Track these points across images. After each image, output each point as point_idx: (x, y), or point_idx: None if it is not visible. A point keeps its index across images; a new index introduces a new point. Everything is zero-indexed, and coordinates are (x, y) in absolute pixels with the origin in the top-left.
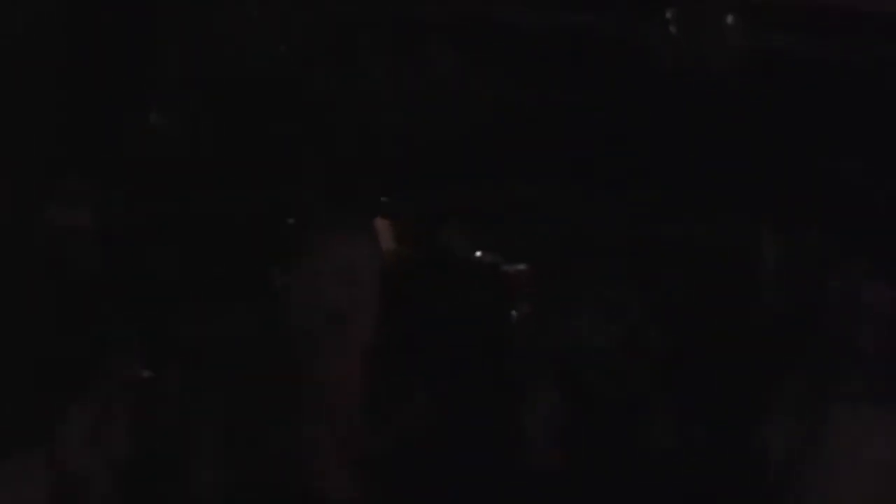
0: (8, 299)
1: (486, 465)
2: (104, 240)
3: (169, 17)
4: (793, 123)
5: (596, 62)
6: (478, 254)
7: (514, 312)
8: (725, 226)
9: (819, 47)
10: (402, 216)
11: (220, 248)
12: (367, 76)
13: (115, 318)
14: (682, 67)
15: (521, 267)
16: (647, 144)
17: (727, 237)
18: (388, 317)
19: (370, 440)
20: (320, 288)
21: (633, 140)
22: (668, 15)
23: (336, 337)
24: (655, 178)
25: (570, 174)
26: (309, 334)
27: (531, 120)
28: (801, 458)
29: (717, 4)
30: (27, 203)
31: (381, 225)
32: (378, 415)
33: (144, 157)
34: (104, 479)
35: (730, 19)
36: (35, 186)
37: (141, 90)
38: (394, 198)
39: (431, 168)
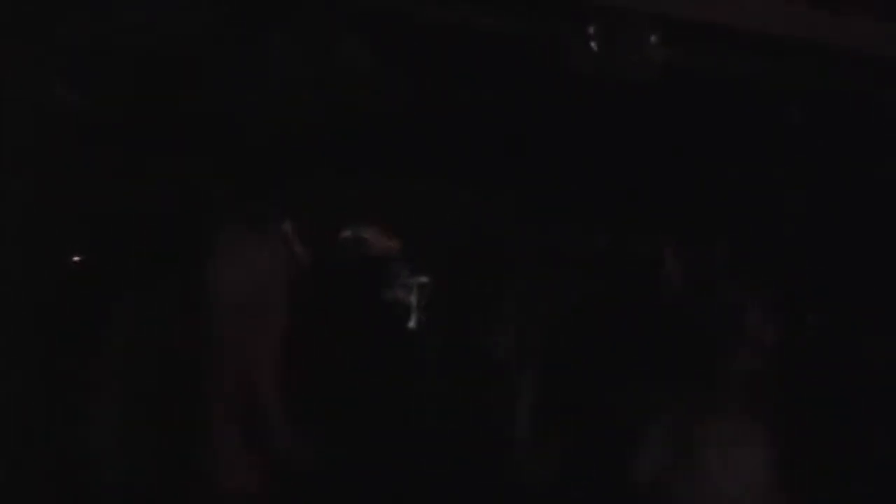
0: None
1: (394, 461)
2: None
3: None
4: (705, 141)
5: (516, 69)
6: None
7: (416, 319)
8: (631, 239)
9: (735, 68)
10: (312, 217)
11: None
12: (277, 73)
13: None
14: (600, 80)
15: (424, 279)
16: (559, 153)
17: (632, 250)
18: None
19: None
20: (233, 284)
21: (545, 148)
22: (591, 30)
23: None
24: (566, 187)
25: (481, 181)
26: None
27: (446, 123)
28: (676, 470)
29: (638, 22)
30: None
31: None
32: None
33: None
34: None
35: (650, 37)
36: None
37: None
38: (302, 198)
39: (342, 170)
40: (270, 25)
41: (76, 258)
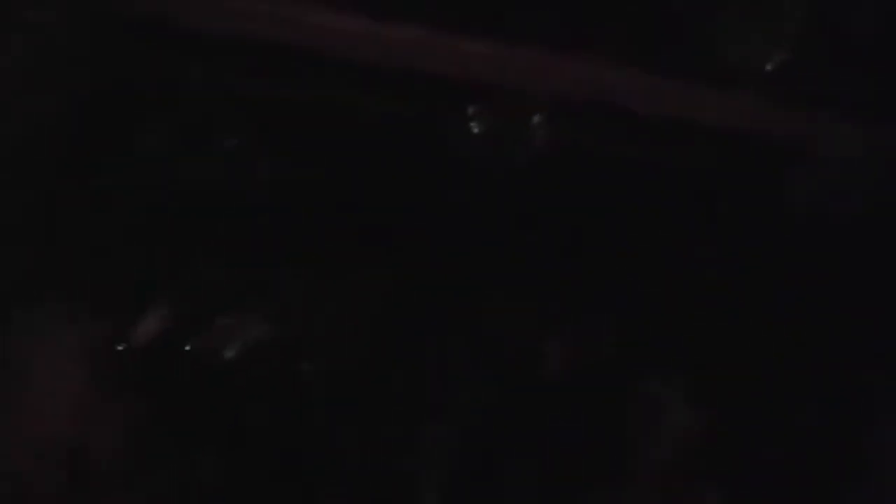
0: None
1: None
2: None
3: None
4: (593, 223)
5: (393, 150)
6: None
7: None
8: (514, 329)
9: (624, 148)
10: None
11: None
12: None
13: None
14: (482, 162)
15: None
16: (438, 236)
17: (515, 340)
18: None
19: None
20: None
21: (425, 232)
22: (471, 111)
23: None
24: (444, 271)
25: (358, 263)
26: None
27: (316, 204)
28: None
29: (522, 103)
30: None
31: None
32: None
33: None
34: None
35: (534, 118)
36: None
37: None
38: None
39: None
40: (143, 114)
41: None
